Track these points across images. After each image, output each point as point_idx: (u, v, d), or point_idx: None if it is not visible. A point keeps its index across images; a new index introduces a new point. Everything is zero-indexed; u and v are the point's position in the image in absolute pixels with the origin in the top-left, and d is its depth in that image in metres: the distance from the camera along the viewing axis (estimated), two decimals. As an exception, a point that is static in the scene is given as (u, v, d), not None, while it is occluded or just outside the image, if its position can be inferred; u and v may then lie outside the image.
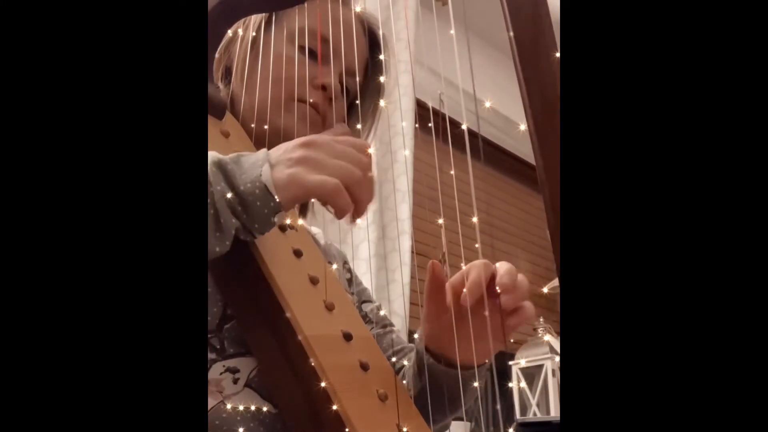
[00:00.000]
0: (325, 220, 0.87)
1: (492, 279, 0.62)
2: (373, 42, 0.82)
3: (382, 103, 0.83)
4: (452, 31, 0.53)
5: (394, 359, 0.74)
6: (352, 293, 0.82)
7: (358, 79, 0.79)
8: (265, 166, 0.55)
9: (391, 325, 0.82)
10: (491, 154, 2.55)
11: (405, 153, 1.81)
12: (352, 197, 0.56)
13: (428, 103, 0.76)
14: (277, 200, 0.54)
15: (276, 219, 0.56)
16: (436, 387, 0.65)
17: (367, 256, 1.64)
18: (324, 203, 0.60)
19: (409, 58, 1.89)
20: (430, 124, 0.68)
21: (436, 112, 0.72)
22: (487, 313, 0.60)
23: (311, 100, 0.75)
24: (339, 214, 0.57)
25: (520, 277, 0.63)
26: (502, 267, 0.63)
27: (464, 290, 0.61)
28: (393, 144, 1.82)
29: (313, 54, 0.76)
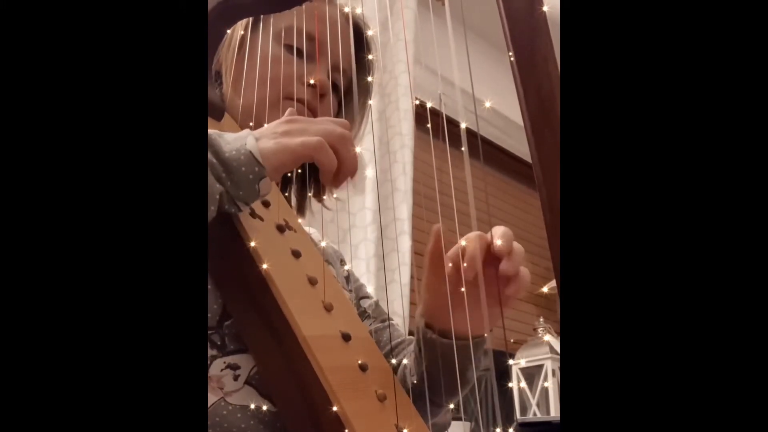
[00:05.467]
0: (324, 220, 0.88)
1: (488, 249, 0.62)
2: (360, 38, 0.83)
3: (372, 102, 0.84)
4: (449, 30, 0.53)
5: (393, 353, 0.74)
6: (350, 290, 0.82)
7: (343, 71, 0.80)
8: (250, 137, 0.57)
9: (390, 318, 0.82)
10: (491, 154, 2.55)
11: (405, 153, 1.81)
12: (336, 155, 0.58)
13: (428, 103, 0.76)
14: (262, 166, 0.56)
15: (260, 187, 0.57)
16: (439, 362, 0.65)
17: (366, 257, 1.64)
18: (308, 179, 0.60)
19: (409, 58, 1.89)
20: (428, 125, 0.68)
21: (435, 112, 0.72)
22: (481, 283, 0.59)
23: (301, 98, 0.76)
24: (326, 174, 0.58)
25: (516, 243, 0.63)
26: (497, 231, 0.63)
27: (464, 264, 0.61)
28: (393, 144, 1.82)
29: (300, 52, 0.78)
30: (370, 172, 1.68)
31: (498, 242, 0.61)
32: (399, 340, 0.78)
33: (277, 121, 0.60)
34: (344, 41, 0.79)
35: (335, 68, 0.80)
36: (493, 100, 0.62)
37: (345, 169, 0.60)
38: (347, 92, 0.83)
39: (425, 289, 0.68)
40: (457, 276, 0.62)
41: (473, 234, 0.63)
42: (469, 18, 0.57)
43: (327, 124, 0.60)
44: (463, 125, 0.57)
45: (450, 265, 0.63)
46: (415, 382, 0.68)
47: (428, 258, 0.66)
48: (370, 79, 0.82)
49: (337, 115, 0.83)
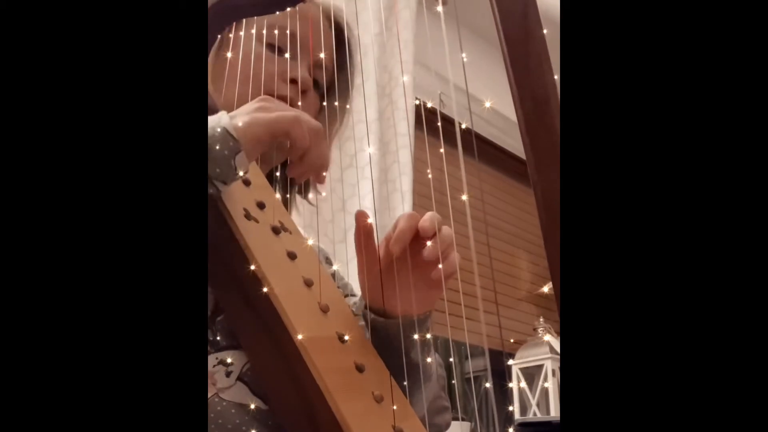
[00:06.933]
0: (323, 220, 0.87)
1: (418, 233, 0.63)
2: (339, 34, 0.83)
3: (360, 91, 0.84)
4: (443, 30, 0.53)
5: None
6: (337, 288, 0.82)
7: (324, 67, 0.80)
8: (224, 116, 0.58)
9: None
10: (492, 154, 2.55)
11: (404, 153, 1.81)
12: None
13: (428, 103, 0.76)
14: (237, 140, 0.57)
15: (236, 163, 0.57)
16: (385, 344, 0.65)
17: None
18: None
19: (409, 58, 1.89)
20: (429, 125, 0.68)
21: (435, 112, 0.72)
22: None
23: (283, 95, 0.76)
24: (296, 149, 0.60)
25: (446, 228, 0.64)
26: (426, 215, 0.63)
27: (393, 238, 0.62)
28: (392, 144, 1.82)
29: (281, 50, 0.78)
30: (370, 172, 1.68)
31: (424, 224, 0.62)
32: None
33: (252, 101, 0.62)
34: (325, 38, 0.79)
35: (316, 65, 0.80)
36: (494, 100, 0.62)
37: (313, 160, 0.61)
38: (329, 88, 0.84)
39: (359, 270, 0.68)
40: (388, 257, 0.64)
41: (406, 213, 0.64)
42: (471, 18, 0.57)
43: (301, 112, 0.62)
44: (463, 125, 0.57)
45: (383, 247, 0.64)
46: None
47: (355, 241, 0.66)
48: (358, 81, 0.82)
49: (319, 111, 0.84)
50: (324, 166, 0.63)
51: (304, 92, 0.78)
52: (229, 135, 0.56)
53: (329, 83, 0.84)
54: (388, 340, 0.65)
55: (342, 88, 0.83)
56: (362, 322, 0.76)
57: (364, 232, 0.66)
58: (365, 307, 0.69)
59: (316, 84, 0.82)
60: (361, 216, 0.65)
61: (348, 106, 0.86)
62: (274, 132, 0.59)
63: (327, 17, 0.82)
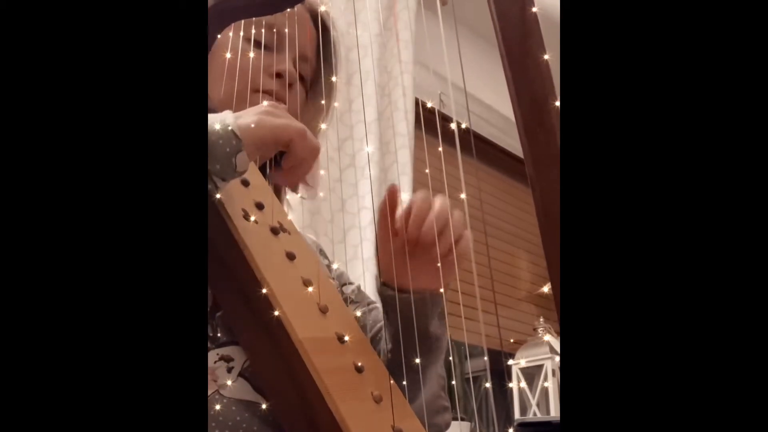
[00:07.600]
0: (323, 220, 0.87)
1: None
2: (322, 27, 0.83)
3: (335, 79, 0.85)
4: (442, 30, 0.53)
5: (378, 336, 0.74)
6: (333, 279, 0.82)
7: (308, 59, 0.81)
8: (229, 115, 0.58)
9: (374, 302, 0.82)
10: (491, 154, 2.55)
11: (404, 153, 1.81)
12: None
13: (427, 103, 0.76)
14: (240, 140, 0.56)
15: (237, 162, 0.57)
16: (402, 319, 0.65)
17: (366, 256, 1.64)
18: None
19: (409, 58, 1.89)
20: (429, 125, 0.68)
21: (434, 112, 0.72)
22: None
23: (270, 89, 0.76)
24: (292, 159, 0.60)
25: (457, 212, 0.65)
26: (436, 200, 0.64)
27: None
28: (392, 144, 1.82)
29: (265, 45, 0.78)
30: (369, 172, 1.68)
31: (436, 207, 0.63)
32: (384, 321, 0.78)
33: (260, 105, 0.61)
34: (309, 32, 0.80)
35: (301, 58, 0.80)
36: (494, 99, 0.62)
37: (302, 174, 0.62)
38: (315, 81, 0.85)
39: (379, 246, 0.68)
40: (402, 235, 0.65)
41: (420, 194, 0.64)
42: (470, 18, 0.57)
43: (306, 128, 0.62)
44: (462, 125, 0.57)
45: (399, 223, 0.65)
46: (390, 347, 0.68)
47: (378, 214, 0.67)
48: (333, 78, 0.83)
49: (304, 104, 0.84)
50: (314, 186, 0.66)
51: (290, 86, 0.78)
52: (232, 134, 0.56)
53: (315, 76, 0.84)
54: (403, 314, 0.66)
55: (327, 81, 0.83)
56: (372, 302, 0.76)
57: (385, 210, 0.66)
58: (382, 284, 0.70)
59: (301, 77, 0.82)
60: (393, 191, 0.66)
61: (336, 104, 0.86)
62: (278, 138, 0.59)
63: (309, 12, 0.83)
